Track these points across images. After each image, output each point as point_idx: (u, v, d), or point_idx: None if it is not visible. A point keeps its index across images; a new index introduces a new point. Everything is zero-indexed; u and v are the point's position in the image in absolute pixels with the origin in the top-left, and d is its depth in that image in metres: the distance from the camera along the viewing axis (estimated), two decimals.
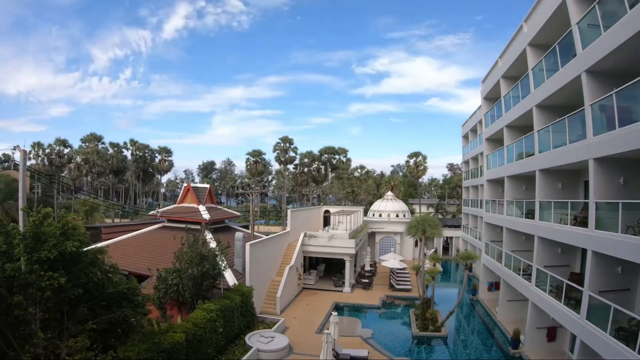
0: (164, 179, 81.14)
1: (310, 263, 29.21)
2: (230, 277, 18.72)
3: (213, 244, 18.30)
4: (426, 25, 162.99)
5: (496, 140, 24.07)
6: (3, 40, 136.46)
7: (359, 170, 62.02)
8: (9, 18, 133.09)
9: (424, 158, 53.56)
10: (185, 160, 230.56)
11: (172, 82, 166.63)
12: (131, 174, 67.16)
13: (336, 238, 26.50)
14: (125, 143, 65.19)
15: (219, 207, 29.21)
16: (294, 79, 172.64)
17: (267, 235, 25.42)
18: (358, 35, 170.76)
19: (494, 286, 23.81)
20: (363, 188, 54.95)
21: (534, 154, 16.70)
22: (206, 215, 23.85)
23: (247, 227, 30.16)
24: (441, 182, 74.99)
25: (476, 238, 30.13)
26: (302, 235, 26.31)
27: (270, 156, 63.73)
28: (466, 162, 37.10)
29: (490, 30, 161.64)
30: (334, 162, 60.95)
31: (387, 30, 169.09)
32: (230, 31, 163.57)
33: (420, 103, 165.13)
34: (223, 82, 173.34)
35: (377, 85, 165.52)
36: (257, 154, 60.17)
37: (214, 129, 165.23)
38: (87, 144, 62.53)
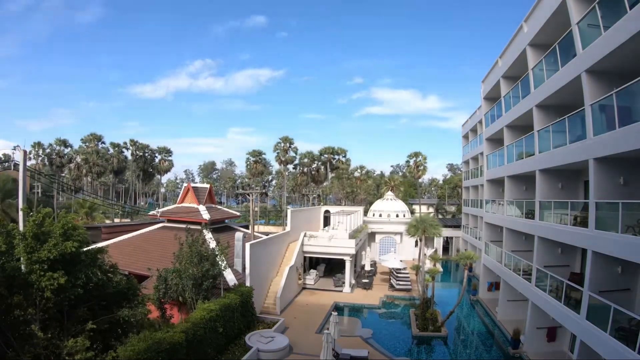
0: (164, 179, 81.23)
1: (310, 263, 29.20)
2: (230, 277, 18.71)
3: (213, 244, 18.30)
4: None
5: (496, 140, 24.06)
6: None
7: (359, 170, 62.01)
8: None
9: (424, 158, 53.53)
10: (187, 160, 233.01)
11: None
12: (131, 174, 67.12)
13: (336, 238, 26.50)
14: (125, 143, 65.22)
15: (219, 207, 29.19)
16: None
17: (267, 235, 25.42)
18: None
19: (494, 286, 23.79)
20: (363, 188, 54.91)
21: (534, 154, 16.69)
22: (206, 215, 23.83)
23: (247, 227, 30.16)
24: (441, 182, 74.99)
25: (476, 238, 30.12)
26: (302, 235, 26.31)
27: (270, 156, 63.83)
28: (466, 162, 37.09)
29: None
30: (334, 162, 60.97)
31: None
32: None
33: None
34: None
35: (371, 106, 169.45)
36: (256, 154, 60.17)
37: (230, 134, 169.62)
38: (87, 144, 62.48)
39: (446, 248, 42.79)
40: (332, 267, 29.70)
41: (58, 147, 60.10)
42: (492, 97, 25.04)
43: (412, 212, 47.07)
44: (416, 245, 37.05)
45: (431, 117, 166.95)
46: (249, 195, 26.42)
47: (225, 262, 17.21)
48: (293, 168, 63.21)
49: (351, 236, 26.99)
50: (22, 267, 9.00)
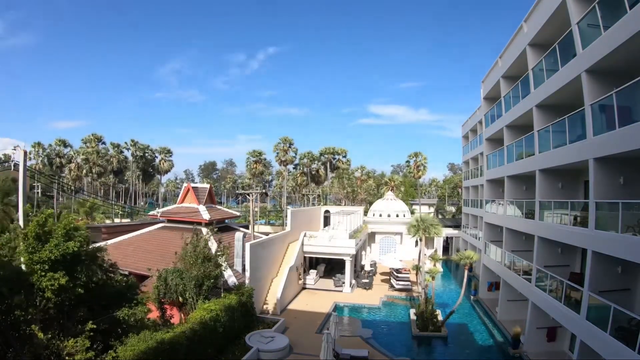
0: (164, 179, 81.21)
1: (310, 263, 29.20)
2: (230, 277, 18.73)
3: (213, 244, 18.30)
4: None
5: (496, 140, 24.06)
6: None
7: (359, 170, 61.98)
8: None
9: (424, 158, 53.45)
10: (187, 160, 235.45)
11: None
12: (131, 174, 67.09)
13: (336, 238, 26.49)
14: (125, 143, 65.22)
15: (219, 207, 29.20)
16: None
17: (267, 235, 25.40)
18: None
19: (494, 286, 23.77)
20: (363, 188, 54.89)
21: (533, 154, 16.69)
22: (206, 215, 23.84)
23: (247, 227, 30.16)
24: (441, 182, 75.03)
25: (476, 238, 30.11)
26: (302, 235, 26.31)
27: (270, 157, 63.81)
28: (466, 163, 37.08)
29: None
30: (334, 162, 60.96)
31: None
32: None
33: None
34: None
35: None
36: (257, 154, 60.14)
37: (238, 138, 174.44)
38: (87, 144, 62.45)
39: (446, 248, 42.74)
40: (332, 267, 29.69)
41: (58, 147, 60.12)
42: (492, 97, 25.04)
43: (412, 212, 47.08)
44: (416, 245, 37.04)
45: (424, 126, 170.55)
46: (249, 196, 26.42)
47: (226, 262, 17.21)
48: (293, 168, 63.23)
49: (351, 236, 26.98)
50: (23, 267, 9.01)
